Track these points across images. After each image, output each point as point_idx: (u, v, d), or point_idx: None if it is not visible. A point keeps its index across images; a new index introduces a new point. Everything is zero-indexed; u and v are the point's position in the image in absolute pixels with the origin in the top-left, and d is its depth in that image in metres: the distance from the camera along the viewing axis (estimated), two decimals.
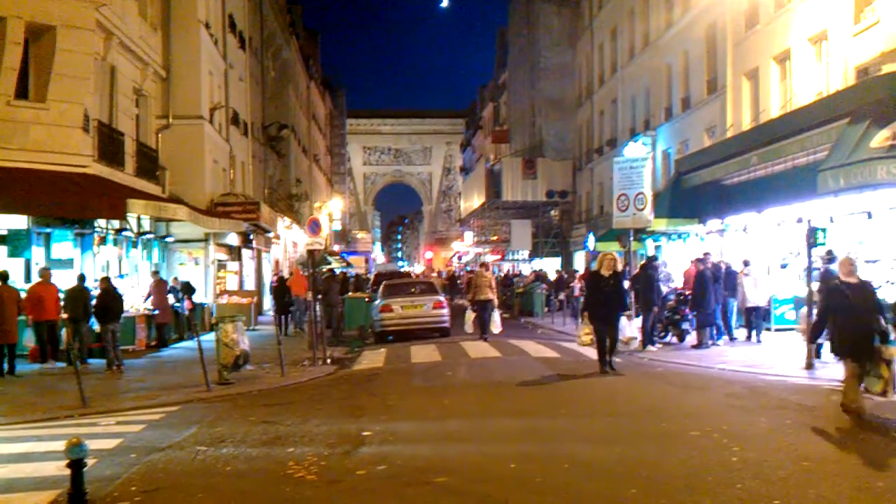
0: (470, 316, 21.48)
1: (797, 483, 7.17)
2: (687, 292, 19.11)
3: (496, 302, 21.33)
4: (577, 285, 26.38)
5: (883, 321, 9.72)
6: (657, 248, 30.16)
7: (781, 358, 15.44)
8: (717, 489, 7.02)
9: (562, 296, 35.49)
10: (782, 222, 20.54)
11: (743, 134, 24.65)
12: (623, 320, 15.63)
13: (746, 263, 19.22)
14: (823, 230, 18.12)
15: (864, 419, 9.41)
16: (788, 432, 9.23)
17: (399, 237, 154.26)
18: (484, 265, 25.52)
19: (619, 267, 15.03)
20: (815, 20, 22.27)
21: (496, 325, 20.93)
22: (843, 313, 9.74)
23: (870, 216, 17.73)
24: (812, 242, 16.17)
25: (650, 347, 17.93)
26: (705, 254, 19.89)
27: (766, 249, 22.39)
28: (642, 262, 21.13)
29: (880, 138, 15.33)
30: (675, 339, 19.04)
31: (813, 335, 11.40)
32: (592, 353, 17.75)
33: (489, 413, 11.07)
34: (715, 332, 18.49)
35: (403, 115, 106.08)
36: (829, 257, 15.47)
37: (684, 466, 7.79)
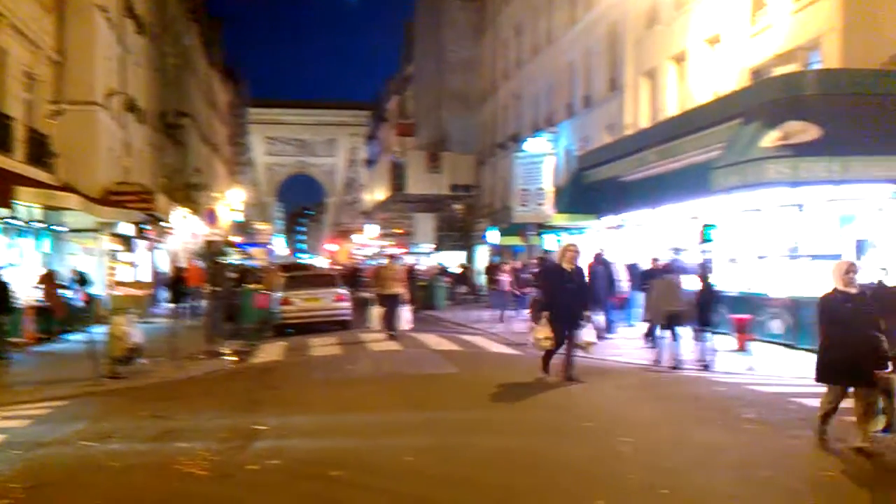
0: (376, 311, 19.64)
1: (686, 472, 7.35)
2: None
3: (405, 296, 19.60)
4: (504, 278, 25.09)
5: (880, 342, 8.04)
6: (557, 242, 30.54)
7: (676, 351, 15.79)
8: (609, 479, 7.14)
9: (464, 289, 35.75)
10: (677, 218, 21.03)
11: (641, 132, 25.17)
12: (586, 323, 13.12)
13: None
14: (714, 226, 18.73)
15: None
16: (679, 423, 9.46)
17: (302, 229, 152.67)
18: (392, 257, 23.87)
19: (580, 260, 13.08)
20: (711, 22, 22.88)
21: (405, 321, 19.35)
22: (838, 330, 8.10)
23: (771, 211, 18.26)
24: (704, 239, 16.67)
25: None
26: (600, 249, 20.26)
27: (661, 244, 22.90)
28: (540, 256, 21.36)
29: (771, 138, 15.83)
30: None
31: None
32: (491, 346, 17.99)
33: (388, 406, 11.00)
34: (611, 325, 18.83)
35: (307, 105, 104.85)
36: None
37: (578, 457, 7.90)
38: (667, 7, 25.67)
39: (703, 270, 15.04)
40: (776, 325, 16.83)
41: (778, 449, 8.23)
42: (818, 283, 13.98)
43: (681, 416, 9.88)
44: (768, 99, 17.22)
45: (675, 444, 8.46)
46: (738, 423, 9.38)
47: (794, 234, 17.28)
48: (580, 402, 11.09)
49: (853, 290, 8.17)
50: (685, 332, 14.47)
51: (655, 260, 17.63)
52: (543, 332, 12.52)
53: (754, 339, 15.58)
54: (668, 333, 14.43)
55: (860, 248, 16.21)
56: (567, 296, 12.46)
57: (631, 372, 13.82)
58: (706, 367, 13.92)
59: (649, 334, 15.97)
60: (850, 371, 7.95)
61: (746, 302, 17.35)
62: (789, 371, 13.54)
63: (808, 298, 15.76)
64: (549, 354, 12.61)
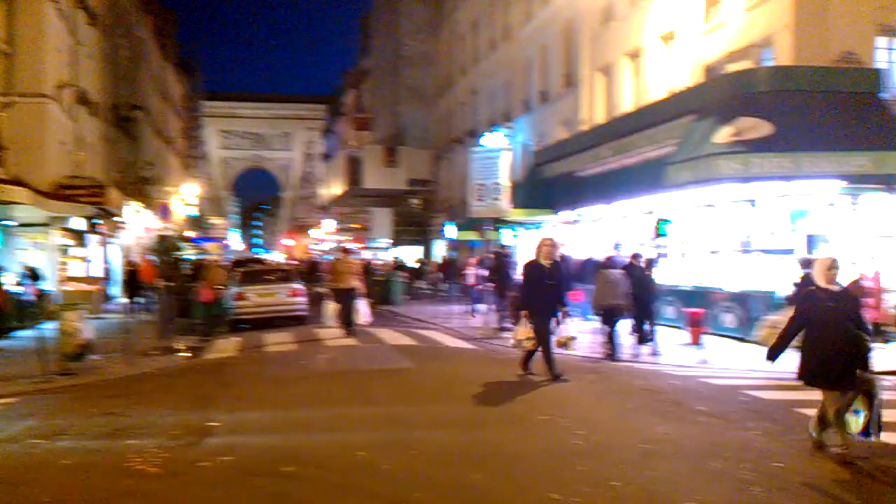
0: (331, 307, 19.33)
1: (637, 465, 7.41)
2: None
3: (361, 290, 19.18)
4: (471, 272, 24.66)
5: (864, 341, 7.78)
6: (514, 237, 30.64)
7: (630, 345, 15.95)
8: (560, 472, 7.19)
9: (422, 284, 35.71)
10: (631, 214, 21.21)
11: (597, 127, 25.35)
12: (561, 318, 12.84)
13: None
14: (668, 221, 18.92)
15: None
16: (633, 415, 9.54)
17: (258, 224, 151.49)
18: (346, 250, 22.88)
19: (558, 254, 12.84)
20: (666, 19, 23.10)
21: (362, 315, 18.93)
22: (819, 329, 7.74)
23: (741, 206, 18.46)
24: (658, 233, 16.82)
25: (504, 334, 18.20)
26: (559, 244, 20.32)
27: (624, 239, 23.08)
28: (496, 251, 21.43)
29: (724, 134, 16.03)
30: None
31: (774, 351, 8.08)
32: (448, 341, 18.01)
33: (342, 402, 10.95)
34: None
35: (263, 98, 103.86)
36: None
37: (530, 450, 7.94)
38: (622, 4, 25.87)
39: (648, 265, 15.48)
40: (727, 319, 17.06)
41: (729, 440, 8.34)
42: (769, 277, 14.26)
43: (634, 409, 9.96)
44: (721, 95, 17.44)
45: (629, 436, 8.54)
46: (690, 416, 9.49)
47: (746, 229, 17.51)
48: (533, 395, 11.14)
49: (836, 288, 7.83)
50: (624, 325, 14.96)
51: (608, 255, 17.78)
52: (524, 332, 12.13)
53: (707, 333, 15.77)
54: (606, 327, 14.75)
55: (811, 243, 16.48)
56: (546, 293, 12.03)
57: (585, 366, 13.90)
58: (654, 354, 14.47)
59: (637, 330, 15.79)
60: (833, 371, 7.61)
61: (699, 296, 17.56)
62: (740, 363, 13.74)
63: (757, 293, 16.07)
64: (529, 353, 12.32)
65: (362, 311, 18.96)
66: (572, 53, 30.05)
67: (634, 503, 6.51)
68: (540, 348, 12.14)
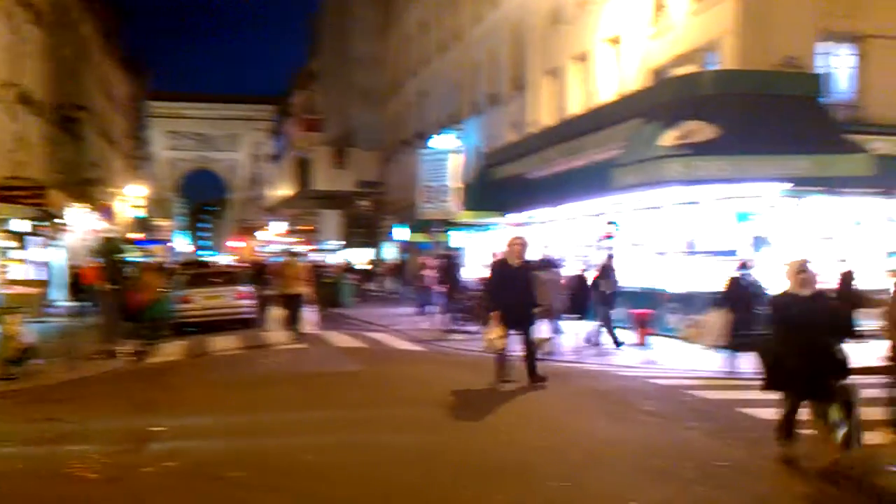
0: (277, 313, 18.84)
1: (585, 464, 7.49)
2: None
3: (308, 295, 18.62)
4: (428, 274, 24.38)
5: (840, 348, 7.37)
6: (464, 239, 30.72)
7: (580, 346, 16.10)
8: (510, 473, 7.21)
9: (373, 286, 35.60)
10: (580, 216, 21.38)
11: (545, 130, 25.49)
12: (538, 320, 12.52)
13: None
14: (616, 223, 19.12)
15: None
16: (580, 416, 9.62)
17: (205, 225, 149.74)
18: (293, 254, 22.34)
19: (527, 254, 12.27)
20: (614, 23, 23.30)
21: (309, 322, 18.51)
22: (791, 335, 7.31)
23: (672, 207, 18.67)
24: (610, 235, 16.98)
25: (453, 336, 18.24)
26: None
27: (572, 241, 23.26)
28: (444, 253, 21.47)
29: (670, 137, 16.23)
30: (476, 328, 19.38)
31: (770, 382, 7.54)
32: (397, 343, 17.97)
33: (290, 405, 10.86)
34: None
35: (210, 99, 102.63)
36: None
37: (481, 453, 7.95)
38: (570, 7, 26.03)
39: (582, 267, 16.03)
40: (673, 320, 17.28)
41: (673, 440, 8.45)
42: (713, 278, 14.48)
43: (580, 409, 10.04)
44: (667, 99, 17.67)
45: (577, 436, 8.60)
46: (635, 416, 9.59)
47: (692, 231, 17.75)
48: (482, 398, 11.15)
49: (807, 292, 7.37)
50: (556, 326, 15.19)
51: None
52: (496, 331, 11.49)
53: (653, 333, 15.95)
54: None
55: (756, 244, 16.77)
56: (515, 294, 11.44)
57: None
58: (600, 355, 14.62)
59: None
60: (805, 381, 7.18)
61: (646, 297, 17.75)
62: (685, 364, 13.92)
63: (701, 293, 16.29)
64: (502, 358, 11.64)
65: (309, 317, 18.46)
66: (521, 56, 30.17)
67: (580, 502, 6.56)
68: (516, 352, 11.66)
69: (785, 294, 7.55)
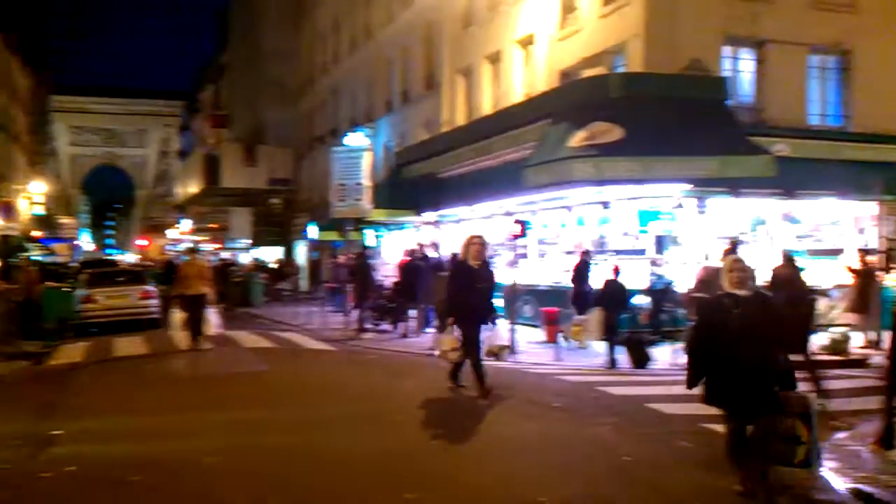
0: (178, 317, 17.09)
1: (492, 461, 7.57)
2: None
3: (211, 297, 16.85)
4: (341, 273, 23.66)
5: (786, 356, 6.66)
6: (377, 238, 30.62)
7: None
8: (417, 471, 7.26)
9: (284, 284, 35.13)
10: (492, 215, 21.51)
11: (458, 129, 25.60)
12: (496, 327, 11.63)
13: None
14: (528, 223, 19.27)
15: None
16: (490, 413, 9.66)
17: (111, 223, 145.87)
18: (195, 251, 19.99)
19: (487, 254, 11.55)
20: (525, 24, 23.53)
21: (211, 325, 16.82)
22: (727, 342, 6.32)
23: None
24: (519, 234, 17.04)
25: (364, 335, 18.16)
26: (419, 244, 20.47)
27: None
28: (356, 251, 21.35)
29: (578, 138, 16.46)
30: (389, 327, 19.38)
31: (691, 378, 6.56)
32: (308, 343, 17.79)
33: (194, 407, 10.62)
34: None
35: (116, 93, 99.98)
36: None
37: (386, 451, 7.94)
38: (482, 8, 26.19)
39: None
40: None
41: (582, 436, 8.56)
42: (621, 277, 14.73)
43: (490, 407, 10.09)
44: (576, 100, 17.93)
45: (484, 433, 8.65)
46: (545, 413, 9.69)
47: (601, 230, 18.05)
48: (390, 396, 11.18)
49: (743, 293, 6.42)
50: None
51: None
52: (450, 342, 10.79)
53: (563, 331, 16.15)
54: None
55: (662, 243, 17.15)
56: (476, 297, 10.66)
57: (442, 366, 13.97)
58: (511, 352, 14.57)
59: None
60: (748, 396, 6.27)
61: (556, 295, 17.95)
62: (593, 361, 14.12)
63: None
64: (457, 365, 11.00)
65: (212, 320, 16.89)
66: (434, 55, 30.23)
67: (489, 500, 6.58)
68: (469, 360, 10.83)
69: (719, 296, 6.58)
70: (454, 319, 10.77)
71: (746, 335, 6.25)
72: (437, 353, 11.26)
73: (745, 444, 6.42)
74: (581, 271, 15.44)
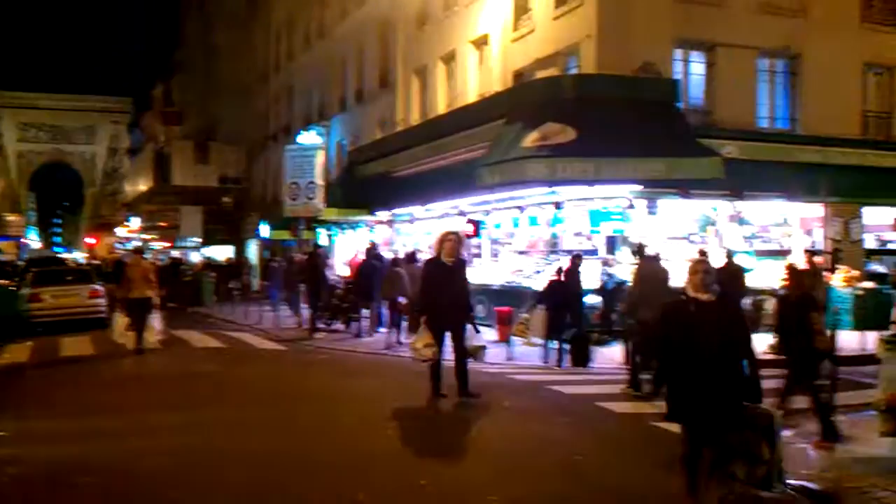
0: (121, 321, 15.86)
1: (444, 462, 7.57)
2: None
3: (156, 300, 15.85)
4: (293, 272, 23.07)
5: (752, 366, 5.87)
6: (330, 237, 30.48)
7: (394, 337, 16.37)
8: (367, 473, 7.21)
9: (237, 283, 34.74)
10: (446, 214, 21.53)
11: (412, 129, 25.56)
12: (470, 328, 10.94)
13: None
14: (482, 223, 19.35)
15: None
16: (440, 415, 9.65)
17: (59, 221, 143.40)
18: (140, 251, 18.87)
19: (464, 252, 11.05)
20: (479, 25, 23.57)
21: (155, 331, 15.70)
22: (688, 351, 5.78)
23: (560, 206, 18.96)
24: (473, 234, 17.16)
25: (316, 335, 18.05)
26: (371, 244, 20.41)
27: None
28: (309, 250, 21.20)
29: (531, 139, 16.53)
30: (341, 327, 19.28)
31: (658, 382, 6.18)
32: (259, 343, 17.64)
33: (144, 407, 10.46)
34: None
35: (65, 89, 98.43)
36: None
37: (338, 452, 7.92)
38: (436, 7, 26.19)
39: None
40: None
41: (533, 434, 8.61)
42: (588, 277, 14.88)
43: (444, 407, 10.09)
44: (529, 101, 18.00)
45: (436, 433, 8.66)
46: (497, 412, 9.71)
47: (554, 230, 18.15)
48: (340, 395, 11.17)
49: (706, 297, 5.85)
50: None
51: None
52: (423, 339, 10.32)
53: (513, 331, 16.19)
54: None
55: (613, 243, 17.30)
56: (449, 296, 10.25)
57: (396, 364, 13.98)
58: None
59: None
60: (712, 410, 5.72)
61: (508, 294, 18.00)
62: (549, 360, 14.17)
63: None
64: (435, 368, 10.45)
65: (156, 326, 15.84)
66: (389, 54, 30.15)
67: (440, 501, 6.58)
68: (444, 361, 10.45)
69: (681, 302, 6.01)
70: (427, 318, 10.37)
71: (711, 344, 5.67)
72: (412, 354, 10.78)
73: (700, 466, 5.82)
74: (573, 274, 15.36)
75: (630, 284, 12.34)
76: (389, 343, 16.08)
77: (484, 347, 11.27)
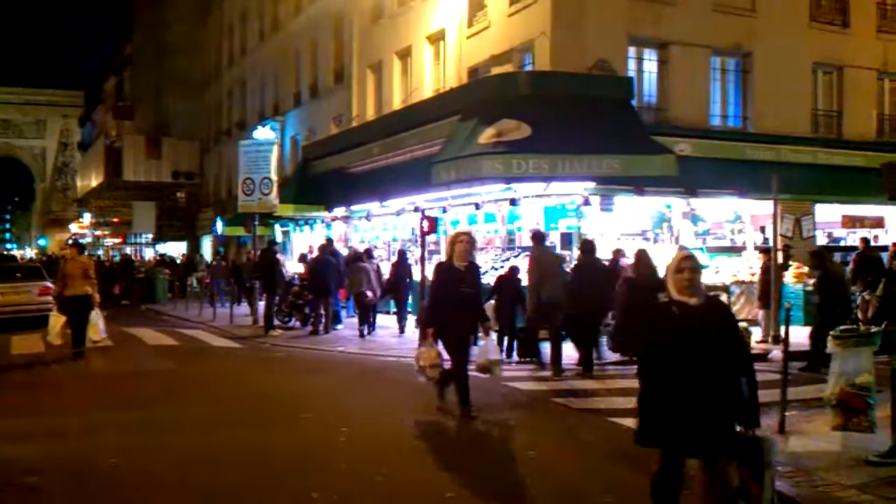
0: (57, 321, 14.50)
1: (399, 459, 7.53)
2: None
3: (97, 298, 14.69)
4: (248, 269, 22.77)
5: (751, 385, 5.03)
6: (285, 233, 30.28)
7: (400, 341, 16.22)
8: (324, 470, 7.17)
9: (190, 281, 34.37)
10: (403, 210, 21.49)
11: (367, 124, 25.48)
12: (485, 338, 9.79)
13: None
14: (440, 220, 19.32)
15: None
16: (396, 412, 9.62)
17: (8, 217, 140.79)
18: (77, 246, 16.61)
19: (477, 255, 10.01)
20: (434, 20, 23.56)
21: (98, 331, 14.51)
22: (670, 363, 4.95)
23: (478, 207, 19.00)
24: (429, 230, 17.11)
25: (272, 332, 17.91)
26: (327, 240, 20.30)
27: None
28: (263, 247, 21.03)
29: (487, 135, 16.55)
30: (297, 324, 19.16)
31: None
32: (214, 340, 17.47)
33: (95, 407, 10.28)
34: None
35: (14, 82, 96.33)
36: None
37: (291, 449, 7.87)
38: (391, 2, 26.13)
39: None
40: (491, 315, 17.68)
41: (489, 430, 8.65)
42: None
43: (393, 402, 10.09)
44: (485, 97, 18.02)
45: (393, 431, 8.60)
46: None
47: (510, 226, 18.21)
48: (297, 392, 11.09)
49: (692, 300, 5.01)
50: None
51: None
52: (429, 356, 9.30)
53: None
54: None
55: (569, 240, 17.38)
56: (461, 303, 9.13)
57: (353, 362, 13.93)
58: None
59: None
60: (690, 432, 4.88)
61: None
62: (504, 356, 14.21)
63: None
64: (445, 379, 9.49)
65: (99, 325, 14.75)
66: (343, 49, 30.02)
67: (395, 498, 6.56)
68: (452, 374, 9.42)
69: (660, 306, 5.36)
70: (435, 330, 9.31)
71: (698, 356, 4.88)
72: (415, 367, 9.71)
73: (676, 487, 5.00)
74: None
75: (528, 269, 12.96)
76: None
77: (500, 361, 10.18)
